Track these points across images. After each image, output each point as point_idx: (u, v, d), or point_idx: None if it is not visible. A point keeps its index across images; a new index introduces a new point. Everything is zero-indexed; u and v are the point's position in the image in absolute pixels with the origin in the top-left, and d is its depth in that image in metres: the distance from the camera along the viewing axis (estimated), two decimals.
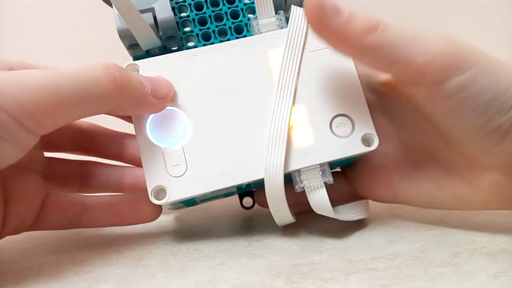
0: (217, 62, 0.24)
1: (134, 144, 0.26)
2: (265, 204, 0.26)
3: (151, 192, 0.22)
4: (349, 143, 0.23)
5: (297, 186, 0.23)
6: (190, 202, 0.24)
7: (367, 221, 0.27)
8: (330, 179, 0.23)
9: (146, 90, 0.22)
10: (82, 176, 0.26)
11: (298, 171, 0.23)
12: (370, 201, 0.27)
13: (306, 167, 0.23)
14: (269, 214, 0.24)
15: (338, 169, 0.28)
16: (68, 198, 0.25)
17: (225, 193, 0.25)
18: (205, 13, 0.25)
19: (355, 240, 0.23)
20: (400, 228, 0.25)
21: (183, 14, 0.25)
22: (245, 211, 0.31)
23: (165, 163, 0.22)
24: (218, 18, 0.25)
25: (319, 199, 0.23)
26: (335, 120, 0.23)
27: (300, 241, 0.24)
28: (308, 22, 0.22)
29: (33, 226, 0.24)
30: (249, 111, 0.23)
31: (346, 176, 0.28)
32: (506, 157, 0.21)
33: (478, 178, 0.22)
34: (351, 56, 0.23)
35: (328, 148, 0.23)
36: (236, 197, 0.30)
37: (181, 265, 0.21)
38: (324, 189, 0.23)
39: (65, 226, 0.25)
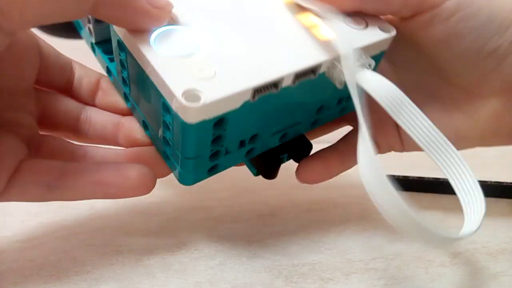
0: None
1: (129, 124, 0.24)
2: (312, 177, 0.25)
3: (181, 96, 0.17)
4: (368, 32, 0.21)
5: (340, 79, 0.20)
6: (217, 143, 0.21)
7: (367, 221, 0.27)
8: (372, 62, 0.20)
9: None
10: (78, 121, 0.24)
11: (334, 61, 0.20)
12: (368, 200, 0.27)
13: (340, 56, 0.20)
14: (269, 214, 0.24)
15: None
16: (46, 163, 0.22)
17: (253, 135, 0.22)
18: None
19: (355, 240, 0.23)
20: None
21: None
22: (244, 210, 0.31)
23: (189, 70, 0.18)
24: None
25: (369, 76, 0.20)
26: (346, 18, 0.22)
27: (300, 241, 0.24)
28: None
29: (3, 194, 0.21)
30: (262, 17, 0.21)
31: (339, 149, 0.27)
32: (503, 82, 0.21)
33: (476, 108, 0.22)
34: (351, 8, 0.22)
35: (351, 38, 0.21)
36: (236, 196, 0.30)
37: (181, 265, 0.21)
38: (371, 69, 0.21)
39: (40, 196, 0.21)
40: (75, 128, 0.24)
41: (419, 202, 0.30)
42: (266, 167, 0.25)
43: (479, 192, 0.19)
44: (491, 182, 0.31)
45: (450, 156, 0.20)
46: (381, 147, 0.26)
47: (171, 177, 0.22)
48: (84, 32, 0.25)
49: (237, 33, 0.20)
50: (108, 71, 0.23)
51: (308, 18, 0.22)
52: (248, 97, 0.19)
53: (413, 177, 0.33)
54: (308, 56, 0.20)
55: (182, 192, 0.32)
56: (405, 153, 0.26)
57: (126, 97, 0.23)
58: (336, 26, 0.21)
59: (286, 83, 0.20)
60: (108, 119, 0.24)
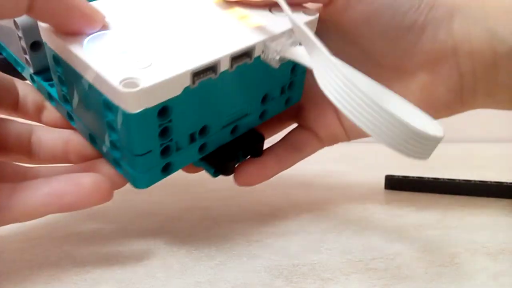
0: None
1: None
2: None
3: (120, 83, 0.17)
4: (294, 15, 0.21)
5: (274, 57, 0.21)
6: (166, 137, 0.20)
7: (367, 221, 0.27)
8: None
9: None
10: (30, 143, 0.23)
11: (265, 45, 0.21)
12: (367, 198, 0.27)
13: (272, 37, 0.21)
14: (270, 214, 0.24)
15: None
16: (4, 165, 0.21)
17: (201, 127, 0.22)
18: None
19: (355, 240, 0.23)
20: (400, 228, 0.25)
21: None
22: (243, 210, 0.31)
23: (125, 61, 0.18)
24: None
25: (299, 51, 0.20)
26: (271, 9, 0.23)
27: (300, 241, 0.24)
28: None
29: None
30: (194, 12, 0.22)
31: (275, 150, 0.27)
32: (425, 54, 0.22)
33: (406, 86, 0.23)
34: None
35: (280, 22, 0.22)
36: (236, 196, 0.30)
37: (181, 265, 0.21)
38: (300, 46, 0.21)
39: None
40: (27, 150, 0.23)
41: (419, 202, 0.30)
42: (221, 161, 0.24)
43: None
44: (491, 182, 0.31)
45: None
46: (324, 140, 0.26)
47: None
48: (22, 67, 0.25)
49: (171, 29, 0.21)
50: (50, 97, 0.23)
51: (237, 12, 0.22)
52: (187, 82, 0.19)
53: (413, 177, 0.33)
54: (241, 40, 0.20)
55: (182, 192, 0.32)
56: None
57: (70, 117, 0.22)
58: (264, 15, 0.22)
59: (224, 67, 0.20)
60: (57, 136, 0.23)
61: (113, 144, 0.20)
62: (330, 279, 0.19)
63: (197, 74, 0.19)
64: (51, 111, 0.24)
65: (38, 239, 0.26)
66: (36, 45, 0.22)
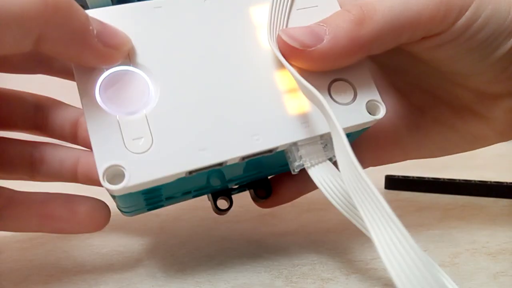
0: (188, 16, 0.19)
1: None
2: (283, 199, 0.24)
3: (103, 175, 0.16)
4: (352, 111, 0.19)
5: (295, 164, 0.19)
6: (154, 199, 0.20)
7: None
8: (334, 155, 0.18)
9: (90, 28, 0.16)
10: (33, 161, 0.21)
11: (295, 144, 0.18)
12: None
13: (304, 140, 0.18)
14: (270, 214, 0.24)
15: None
16: None
17: (198, 188, 0.21)
18: None
19: (355, 240, 0.23)
20: None
21: None
22: (242, 212, 0.31)
23: (122, 135, 0.17)
24: None
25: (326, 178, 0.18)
26: (333, 85, 0.19)
27: (300, 241, 0.24)
28: (294, 61, 0.19)
29: None
30: (231, 74, 0.19)
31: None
32: None
33: (490, 108, 0.21)
34: (358, 58, 0.20)
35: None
36: (236, 196, 0.30)
37: (181, 265, 0.21)
38: (331, 165, 0.19)
39: None
40: (30, 169, 0.22)
41: (419, 202, 0.30)
42: (215, 203, 0.23)
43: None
44: (491, 182, 0.31)
45: None
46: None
47: None
48: None
49: (195, 91, 0.18)
50: None
51: (289, 77, 0.19)
52: (182, 175, 0.17)
53: (413, 177, 0.33)
54: (266, 137, 0.18)
55: None
56: None
57: None
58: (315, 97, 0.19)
59: (232, 162, 0.18)
60: (65, 156, 0.21)
61: None
62: (330, 279, 0.19)
63: (195, 170, 0.17)
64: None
65: (38, 239, 0.26)
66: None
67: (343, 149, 0.16)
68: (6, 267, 0.22)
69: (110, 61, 0.17)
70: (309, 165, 0.19)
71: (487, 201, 0.30)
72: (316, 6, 0.21)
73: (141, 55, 0.18)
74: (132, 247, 0.24)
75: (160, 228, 0.27)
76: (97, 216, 0.20)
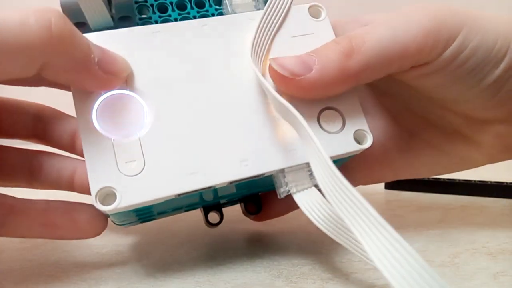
0: (185, 42, 0.20)
1: None
2: (273, 214, 0.25)
3: (95, 196, 0.17)
4: (339, 139, 0.20)
5: (281, 190, 0.19)
6: (145, 214, 0.21)
7: None
8: None
9: (92, 56, 0.17)
10: (32, 169, 0.22)
11: (282, 171, 0.19)
12: (367, 197, 0.26)
13: (291, 167, 0.19)
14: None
15: None
16: None
17: (189, 204, 0.22)
18: None
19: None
20: (400, 228, 0.25)
21: None
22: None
23: (115, 158, 0.17)
24: None
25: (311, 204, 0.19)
26: (322, 114, 0.20)
27: (300, 241, 0.24)
28: (285, 90, 0.19)
29: None
30: (224, 100, 0.19)
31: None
32: (504, 107, 0.20)
33: (479, 133, 0.22)
34: (346, 88, 0.20)
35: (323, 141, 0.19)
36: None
37: (180, 265, 0.21)
38: (316, 191, 0.19)
39: None
40: (29, 177, 0.22)
41: (419, 202, 0.30)
42: (205, 216, 0.24)
43: None
44: (491, 182, 0.31)
45: None
46: (362, 183, 0.25)
47: None
48: None
49: (188, 116, 0.19)
50: None
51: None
52: (171, 197, 0.18)
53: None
54: (254, 163, 0.19)
55: None
56: None
57: None
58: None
59: (220, 186, 0.19)
60: (63, 166, 0.22)
61: None
62: (330, 279, 0.19)
63: (184, 193, 0.18)
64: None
65: (38, 239, 0.26)
66: (79, 26, 0.20)
67: (319, 155, 0.16)
68: (6, 267, 0.22)
69: (109, 87, 0.18)
70: (294, 191, 0.19)
71: (487, 201, 0.30)
72: (312, 33, 0.21)
73: (138, 79, 0.19)
74: (131, 247, 0.24)
75: (160, 228, 0.27)
76: (96, 223, 0.21)
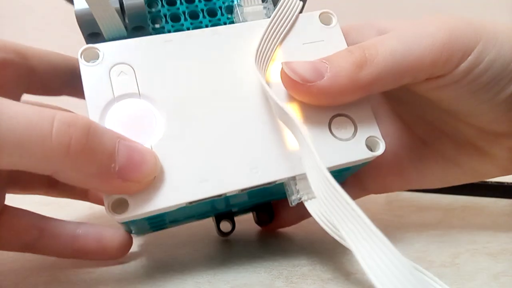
0: (196, 51, 0.20)
1: None
2: (285, 223, 0.25)
3: (108, 204, 0.17)
4: (351, 147, 0.20)
5: (293, 198, 0.19)
6: (157, 223, 0.21)
7: None
8: None
9: (112, 166, 0.16)
10: (50, 179, 0.20)
11: (293, 178, 0.19)
12: (369, 199, 0.26)
13: (302, 174, 0.19)
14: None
15: None
16: (25, 221, 0.21)
17: (201, 213, 0.22)
18: None
19: None
20: (401, 228, 0.25)
21: None
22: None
23: None
24: (190, 0, 0.22)
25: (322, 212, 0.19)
26: (334, 120, 0.20)
27: (300, 242, 0.24)
28: (296, 95, 0.19)
29: None
30: (234, 108, 0.19)
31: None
32: None
33: (493, 145, 0.21)
34: (357, 97, 0.20)
35: (328, 152, 0.19)
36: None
37: (180, 265, 0.21)
38: None
39: (17, 249, 0.22)
40: (47, 187, 0.24)
41: (420, 203, 0.30)
42: (217, 225, 0.24)
43: None
44: (491, 182, 0.31)
45: None
46: (372, 192, 0.25)
47: None
48: None
49: (199, 124, 0.19)
50: None
51: (295, 108, 0.20)
52: (183, 205, 0.18)
53: None
54: (265, 171, 0.19)
55: None
56: None
57: None
58: (314, 131, 0.19)
59: (231, 194, 0.19)
60: None
61: None
62: (330, 280, 0.18)
63: (195, 201, 0.18)
64: None
65: None
66: (94, 36, 0.21)
67: (314, 165, 0.16)
68: (6, 267, 0.22)
69: (127, 193, 0.17)
70: (306, 198, 0.19)
71: (488, 201, 0.30)
72: (322, 40, 0.21)
73: (150, 88, 0.19)
74: (131, 248, 0.24)
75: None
76: (124, 247, 0.22)
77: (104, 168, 0.16)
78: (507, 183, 0.31)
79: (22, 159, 0.15)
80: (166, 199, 0.17)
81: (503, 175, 0.23)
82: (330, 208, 0.16)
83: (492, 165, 0.22)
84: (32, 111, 0.15)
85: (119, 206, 0.17)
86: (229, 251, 0.23)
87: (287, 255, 0.22)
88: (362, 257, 0.15)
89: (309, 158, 0.17)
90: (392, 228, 0.25)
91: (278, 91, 0.20)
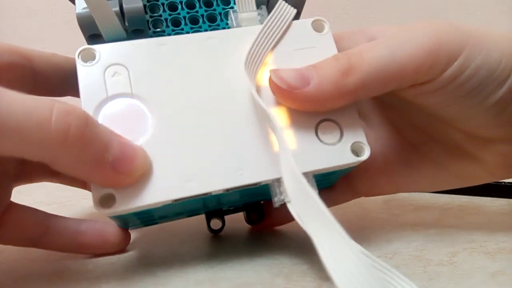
0: (189, 54, 0.20)
1: None
2: (275, 223, 0.26)
3: (96, 199, 0.18)
4: (336, 151, 0.20)
5: (276, 199, 0.19)
6: (146, 217, 0.21)
7: (365, 221, 0.27)
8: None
9: (107, 156, 0.17)
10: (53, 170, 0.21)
11: (277, 180, 0.19)
12: (367, 198, 0.27)
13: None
14: None
15: None
16: (32, 217, 0.22)
17: (190, 210, 0.23)
18: None
19: (354, 239, 0.23)
20: (398, 227, 0.25)
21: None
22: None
23: None
24: (190, 6, 0.23)
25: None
26: (321, 125, 0.20)
27: (299, 240, 0.24)
28: (285, 102, 0.20)
29: None
30: (223, 110, 0.20)
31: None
32: (508, 126, 0.20)
33: (481, 150, 0.21)
34: (343, 104, 0.20)
35: (313, 156, 0.20)
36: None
37: (181, 263, 0.21)
38: None
39: (22, 244, 0.23)
40: (50, 176, 0.25)
41: (417, 201, 0.31)
42: (208, 222, 0.25)
43: None
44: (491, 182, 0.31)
45: None
46: (363, 195, 0.25)
47: None
48: None
49: (187, 125, 0.19)
50: None
51: (282, 112, 0.20)
52: (168, 202, 0.18)
53: None
54: (249, 172, 0.19)
55: None
56: None
57: None
58: (300, 135, 0.20)
59: (216, 193, 0.19)
60: None
61: None
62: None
63: (180, 199, 0.19)
64: None
65: None
66: (95, 38, 0.21)
67: (287, 164, 0.17)
68: (6, 267, 0.22)
69: (117, 185, 0.18)
70: (288, 200, 0.19)
71: (485, 200, 0.30)
72: (314, 47, 0.22)
73: (142, 88, 0.20)
74: (133, 246, 0.24)
75: (161, 227, 0.27)
76: (123, 240, 0.23)
77: (99, 157, 0.17)
78: (505, 182, 0.31)
79: (21, 144, 0.16)
80: (152, 196, 0.18)
81: (491, 181, 0.23)
82: (301, 208, 0.17)
83: (481, 169, 0.22)
84: (31, 98, 0.16)
85: (107, 201, 0.18)
86: (230, 249, 0.23)
87: (287, 253, 0.22)
88: (322, 248, 0.15)
89: (283, 159, 0.17)
90: (390, 227, 0.25)
91: (268, 95, 0.20)
